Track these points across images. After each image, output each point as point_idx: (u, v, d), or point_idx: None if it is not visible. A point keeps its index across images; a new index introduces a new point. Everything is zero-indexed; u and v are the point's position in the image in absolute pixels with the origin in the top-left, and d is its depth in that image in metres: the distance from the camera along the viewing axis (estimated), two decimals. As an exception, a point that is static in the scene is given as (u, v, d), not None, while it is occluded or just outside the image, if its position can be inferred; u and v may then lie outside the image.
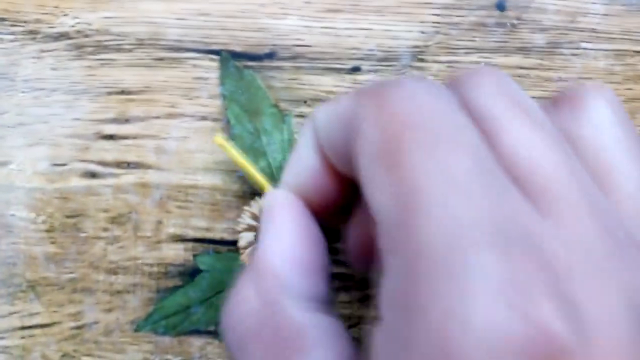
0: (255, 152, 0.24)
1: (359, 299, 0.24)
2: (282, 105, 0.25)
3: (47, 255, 0.24)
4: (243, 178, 0.24)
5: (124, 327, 0.24)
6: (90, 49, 0.25)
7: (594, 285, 0.12)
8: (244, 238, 0.24)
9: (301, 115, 0.25)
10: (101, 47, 0.25)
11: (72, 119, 0.25)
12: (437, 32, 0.25)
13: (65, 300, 0.24)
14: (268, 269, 0.16)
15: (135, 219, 0.24)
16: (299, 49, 0.25)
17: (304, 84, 0.25)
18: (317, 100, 0.25)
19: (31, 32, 0.25)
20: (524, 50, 0.25)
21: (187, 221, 0.24)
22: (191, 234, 0.24)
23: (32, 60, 0.25)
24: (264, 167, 0.24)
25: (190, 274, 0.24)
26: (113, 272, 0.24)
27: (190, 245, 0.24)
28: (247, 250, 0.24)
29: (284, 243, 0.17)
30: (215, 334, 0.24)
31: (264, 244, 0.17)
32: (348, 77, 0.25)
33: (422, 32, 0.25)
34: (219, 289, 0.24)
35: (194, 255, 0.24)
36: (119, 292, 0.24)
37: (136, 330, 0.24)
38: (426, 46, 0.25)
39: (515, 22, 0.25)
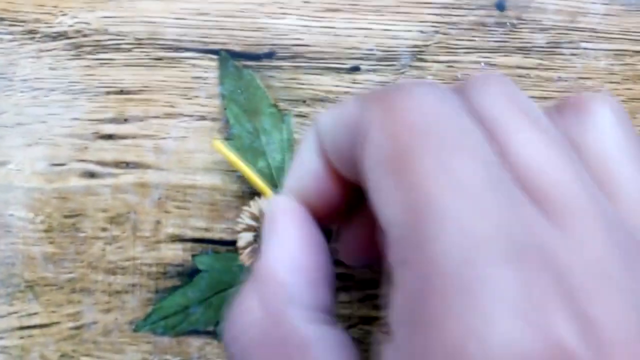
0: (254, 152, 0.24)
1: (359, 299, 0.24)
2: (281, 105, 0.25)
3: (46, 255, 0.24)
4: (242, 178, 0.24)
5: (122, 328, 0.24)
6: (88, 49, 0.25)
7: (608, 300, 0.11)
8: (243, 238, 0.24)
9: (300, 115, 0.25)
10: (100, 47, 0.25)
11: (70, 118, 0.25)
12: (437, 32, 0.25)
13: (64, 301, 0.24)
14: (272, 278, 0.16)
15: (134, 219, 0.24)
16: (298, 49, 0.25)
17: (303, 84, 0.25)
18: (317, 100, 0.25)
19: (30, 31, 0.25)
20: (523, 50, 0.25)
21: (186, 221, 0.24)
22: (190, 234, 0.24)
23: (30, 60, 0.25)
24: (263, 167, 0.24)
25: (189, 274, 0.24)
26: (112, 272, 0.24)
27: (189, 245, 0.24)
28: (246, 251, 0.24)
29: (287, 251, 0.16)
30: (214, 334, 0.24)
31: (266, 252, 0.16)
32: (347, 76, 0.25)
33: (422, 32, 0.25)
34: (218, 289, 0.24)
35: (193, 256, 0.24)
36: (117, 292, 0.24)
37: (135, 331, 0.24)
38: (425, 46, 0.25)
39: (515, 21, 0.25)
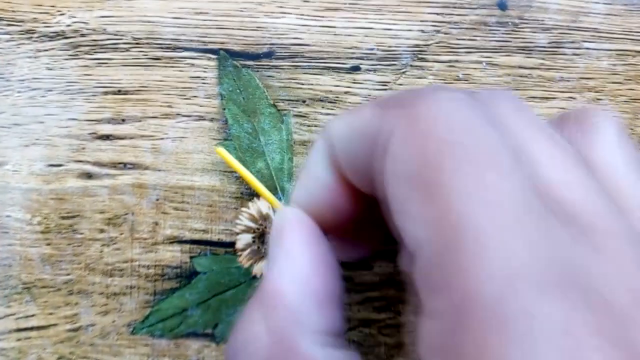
0: (253, 152, 0.24)
1: (358, 302, 0.24)
2: (281, 105, 0.24)
3: (43, 257, 0.24)
4: (241, 179, 0.24)
5: (120, 330, 0.24)
6: (86, 48, 0.25)
7: None
8: (242, 240, 0.24)
9: (300, 115, 0.24)
10: (97, 47, 0.25)
11: (67, 119, 0.24)
12: (438, 31, 0.25)
13: (61, 303, 0.24)
14: (279, 299, 0.15)
15: (131, 220, 0.24)
16: (297, 48, 0.25)
17: (302, 84, 0.25)
18: (316, 99, 0.25)
19: (27, 31, 0.25)
20: (525, 49, 0.25)
21: (184, 222, 0.24)
22: (188, 235, 0.24)
23: (27, 60, 0.25)
24: (262, 167, 0.24)
25: (187, 276, 0.24)
26: (109, 274, 0.24)
27: (187, 247, 0.24)
28: (245, 252, 0.24)
29: (296, 270, 0.15)
30: (212, 337, 0.24)
31: (273, 271, 0.15)
32: (347, 76, 0.25)
33: (423, 31, 0.25)
34: (217, 291, 0.24)
35: (191, 257, 0.24)
36: (115, 294, 0.24)
37: (133, 333, 0.24)
38: (426, 45, 0.25)
39: (516, 21, 0.25)
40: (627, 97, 0.25)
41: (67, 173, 0.24)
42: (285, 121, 0.24)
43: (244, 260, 0.24)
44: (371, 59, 0.25)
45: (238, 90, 0.24)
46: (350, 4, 0.25)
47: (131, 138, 0.24)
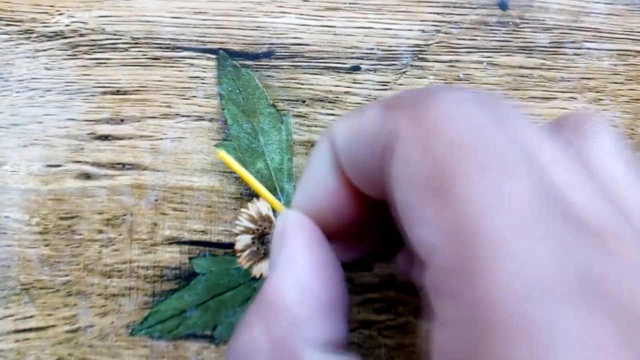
0: (252, 152, 0.24)
1: (358, 303, 0.24)
2: (280, 105, 0.24)
3: (42, 258, 0.24)
4: (240, 180, 0.24)
5: (119, 331, 0.24)
6: (85, 48, 0.25)
7: None
8: (241, 241, 0.24)
9: (299, 115, 0.24)
10: (96, 46, 0.25)
11: (66, 119, 0.24)
12: (438, 31, 0.25)
13: (60, 304, 0.24)
14: (280, 305, 0.14)
15: (130, 221, 0.24)
16: (297, 48, 0.24)
17: (302, 83, 0.24)
18: (316, 99, 0.24)
19: (26, 31, 0.25)
20: (526, 49, 0.25)
21: (183, 223, 0.24)
22: (187, 236, 0.24)
23: (26, 60, 0.25)
24: (262, 168, 0.24)
25: (186, 277, 0.24)
26: (108, 275, 0.24)
27: (186, 248, 0.24)
28: (245, 253, 0.24)
29: (296, 276, 0.15)
30: (211, 339, 0.24)
31: (274, 276, 0.15)
32: (347, 76, 0.24)
33: (423, 31, 0.25)
34: (216, 293, 0.24)
35: (190, 258, 0.24)
36: (114, 295, 0.24)
37: (131, 335, 0.24)
38: (427, 45, 0.25)
39: (517, 21, 0.25)
40: (628, 98, 0.25)
41: (65, 173, 0.24)
42: (284, 121, 0.24)
43: (243, 261, 0.24)
44: (371, 59, 0.24)
45: (237, 90, 0.24)
46: (350, 3, 0.24)
47: (130, 138, 0.24)
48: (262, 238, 0.24)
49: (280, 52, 0.24)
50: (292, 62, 0.24)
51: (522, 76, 0.25)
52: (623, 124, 0.25)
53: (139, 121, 0.24)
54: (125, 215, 0.24)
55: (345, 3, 0.24)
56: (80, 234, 0.24)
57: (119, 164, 0.24)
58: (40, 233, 0.24)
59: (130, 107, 0.24)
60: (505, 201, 0.11)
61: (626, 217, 0.13)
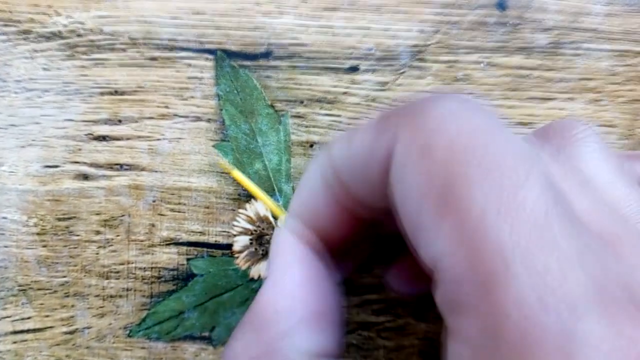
0: (250, 153, 0.24)
1: (357, 305, 0.24)
2: (278, 105, 0.24)
3: (39, 259, 0.24)
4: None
5: (116, 333, 0.24)
6: (83, 49, 0.24)
7: None
8: (239, 242, 0.24)
9: (298, 116, 0.24)
10: (94, 47, 0.24)
11: (64, 120, 0.24)
12: (437, 31, 0.25)
13: (57, 305, 0.24)
14: (266, 316, 0.15)
15: (128, 222, 0.24)
16: (295, 48, 0.24)
17: (300, 84, 0.24)
18: (314, 100, 0.24)
19: (24, 32, 0.24)
20: (525, 50, 0.25)
21: (181, 224, 0.24)
22: (185, 237, 0.24)
23: (24, 61, 0.24)
24: (260, 169, 0.24)
25: (184, 278, 0.24)
26: (105, 276, 0.24)
27: (184, 249, 0.24)
28: (242, 254, 0.24)
29: (284, 288, 0.15)
30: (209, 340, 0.24)
31: (266, 287, 0.15)
32: (346, 76, 0.24)
33: (422, 31, 0.25)
34: (214, 294, 0.24)
35: (188, 259, 0.24)
36: (111, 296, 0.24)
37: (129, 336, 0.24)
38: (425, 45, 0.25)
39: (516, 21, 0.25)
40: (627, 98, 0.25)
41: (63, 174, 0.24)
42: (283, 122, 0.24)
43: (241, 262, 0.24)
44: (370, 59, 0.24)
45: (235, 91, 0.24)
46: (348, 3, 0.24)
47: (128, 139, 0.24)
48: (260, 239, 0.24)
49: (279, 53, 0.24)
50: (291, 62, 0.24)
51: (520, 77, 0.25)
52: (622, 124, 0.25)
53: (136, 122, 0.24)
54: (122, 216, 0.24)
55: (343, 3, 0.24)
56: (78, 235, 0.24)
57: (116, 164, 0.24)
58: (38, 234, 0.24)
59: (128, 107, 0.24)
60: (514, 208, 0.10)
61: (624, 220, 0.13)
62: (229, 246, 0.24)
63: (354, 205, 0.15)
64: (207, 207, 0.24)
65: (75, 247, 0.24)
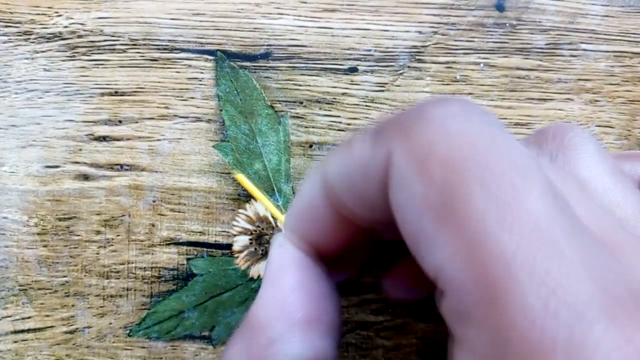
0: (250, 153, 0.24)
1: (356, 304, 0.24)
2: (278, 106, 0.24)
3: (40, 259, 0.24)
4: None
5: (117, 332, 0.24)
6: (83, 50, 0.25)
7: None
8: (239, 242, 0.24)
9: (297, 116, 0.24)
10: (94, 48, 0.25)
11: (64, 120, 0.24)
12: (435, 32, 0.25)
13: (58, 305, 0.24)
14: (256, 324, 0.15)
15: (128, 222, 0.24)
16: (294, 49, 0.25)
17: (299, 85, 0.24)
18: (313, 101, 0.24)
19: (25, 32, 0.25)
20: (523, 51, 0.25)
21: (181, 224, 0.24)
22: (185, 237, 0.24)
23: (25, 62, 0.25)
24: (260, 169, 0.24)
25: (183, 278, 0.24)
26: (106, 276, 0.24)
27: (184, 248, 0.24)
28: (242, 254, 0.24)
29: (274, 296, 0.15)
30: (209, 339, 0.24)
31: (260, 293, 0.16)
32: (344, 77, 0.24)
33: (420, 32, 0.25)
34: (213, 294, 0.24)
35: (188, 259, 0.24)
36: (111, 296, 0.24)
37: (129, 335, 0.24)
38: (424, 46, 0.25)
39: (514, 22, 0.25)
40: (625, 99, 0.25)
41: (63, 174, 0.24)
42: (282, 122, 0.24)
43: (240, 262, 0.24)
44: (369, 60, 0.24)
45: (235, 92, 0.24)
46: (347, 5, 0.25)
47: (128, 139, 0.24)
48: (259, 239, 0.24)
49: (278, 54, 0.25)
50: (290, 63, 0.25)
51: (519, 77, 0.25)
52: (619, 125, 0.25)
53: (137, 122, 0.24)
54: (123, 216, 0.24)
55: (342, 4, 0.25)
56: (78, 235, 0.24)
57: (117, 165, 0.24)
58: (39, 234, 0.24)
59: (129, 108, 0.24)
60: (514, 215, 0.10)
61: (622, 225, 0.13)
62: (228, 246, 0.24)
63: (351, 216, 0.15)
64: (207, 207, 0.24)
65: (75, 247, 0.24)
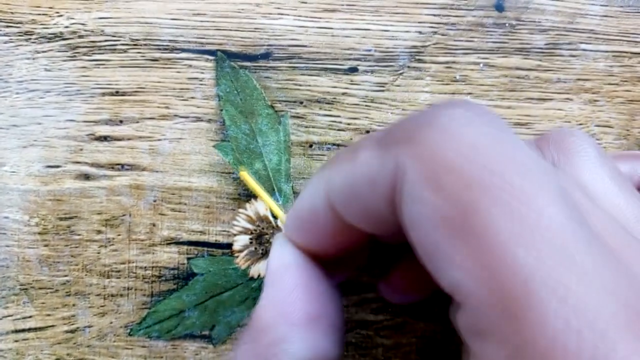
0: (250, 153, 0.24)
1: (356, 303, 0.24)
2: (278, 106, 0.24)
3: (41, 258, 0.24)
4: (238, 180, 0.24)
5: (117, 331, 0.24)
6: (84, 50, 0.25)
7: None
8: (239, 241, 0.24)
9: (297, 116, 0.24)
10: (95, 48, 0.25)
11: (65, 120, 0.24)
12: (435, 33, 0.25)
13: (59, 304, 0.24)
14: (258, 326, 0.15)
15: (128, 221, 0.24)
16: (294, 49, 0.25)
17: (300, 85, 0.25)
18: (313, 101, 0.25)
19: (26, 33, 0.25)
20: (522, 51, 0.25)
21: (181, 224, 0.24)
22: (185, 236, 0.24)
23: (26, 62, 0.25)
24: (260, 168, 0.24)
25: (184, 277, 0.24)
26: (106, 275, 0.24)
27: (184, 248, 0.24)
28: (243, 254, 0.24)
29: (275, 297, 0.15)
30: (209, 339, 0.24)
31: (263, 294, 0.16)
32: (345, 77, 0.25)
33: (420, 33, 0.25)
34: (214, 293, 0.24)
35: (188, 259, 0.24)
36: (112, 295, 0.24)
37: (130, 335, 0.24)
38: (424, 46, 0.25)
39: (513, 22, 0.25)
40: (624, 99, 0.25)
41: (64, 174, 0.24)
42: (282, 122, 0.24)
43: (241, 261, 0.24)
44: (369, 60, 0.25)
45: (235, 92, 0.24)
46: (347, 5, 0.25)
47: (129, 139, 0.24)
48: (260, 238, 0.24)
49: (278, 54, 0.25)
50: (290, 63, 0.25)
51: (518, 77, 0.25)
52: (618, 124, 0.25)
53: (137, 122, 0.25)
54: (123, 215, 0.24)
55: (342, 5, 0.25)
56: (79, 235, 0.24)
57: (117, 164, 0.24)
58: (40, 233, 0.24)
59: (129, 108, 0.25)
60: (530, 228, 0.10)
61: (625, 230, 0.13)
62: (229, 245, 0.24)
63: (353, 223, 0.15)
64: (208, 207, 0.24)
65: (76, 247, 0.24)
